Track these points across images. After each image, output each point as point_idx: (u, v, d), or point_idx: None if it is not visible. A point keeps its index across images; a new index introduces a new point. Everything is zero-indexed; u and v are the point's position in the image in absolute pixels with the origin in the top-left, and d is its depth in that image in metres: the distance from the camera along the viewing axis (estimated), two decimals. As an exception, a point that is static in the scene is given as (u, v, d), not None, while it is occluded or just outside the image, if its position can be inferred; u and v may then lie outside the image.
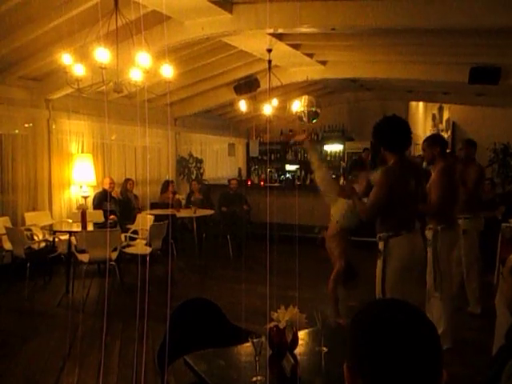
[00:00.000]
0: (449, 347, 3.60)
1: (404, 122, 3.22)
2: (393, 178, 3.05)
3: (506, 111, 8.51)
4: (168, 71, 4.18)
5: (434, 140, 4.01)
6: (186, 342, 2.32)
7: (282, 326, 2.08)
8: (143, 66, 3.96)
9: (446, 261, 3.85)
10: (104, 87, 4.11)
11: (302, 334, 2.27)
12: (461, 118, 9.35)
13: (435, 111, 10.56)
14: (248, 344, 2.00)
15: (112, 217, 6.48)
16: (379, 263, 3.14)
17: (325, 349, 2.14)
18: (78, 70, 4.12)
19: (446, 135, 9.70)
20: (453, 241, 3.96)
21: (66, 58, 4.09)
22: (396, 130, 3.17)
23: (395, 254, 3.07)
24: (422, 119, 11.54)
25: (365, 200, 3.34)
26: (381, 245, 3.14)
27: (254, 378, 1.88)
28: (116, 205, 7.28)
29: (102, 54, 3.81)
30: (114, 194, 7.36)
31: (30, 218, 6.52)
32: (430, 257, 3.77)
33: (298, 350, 2.16)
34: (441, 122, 10.27)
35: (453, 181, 3.90)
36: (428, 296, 3.90)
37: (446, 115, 9.98)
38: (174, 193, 8.38)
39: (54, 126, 7.06)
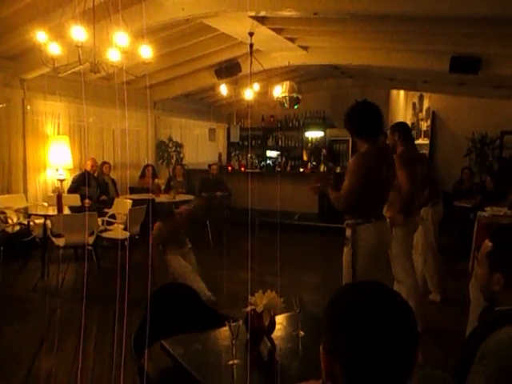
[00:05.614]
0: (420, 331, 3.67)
1: (375, 108, 3.03)
2: (366, 165, 2.91)
3: (485, 101, 8.61)
4: (147, 52, 4.09)
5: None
6: (163, 327, 2.30)
7: (259, 310, 2.07)
8: (121, 46, 3.86)
9: (404, 248, 3.94)
10: (81, 67, 3.99)
11: (279, 318, 2.28)
12: (440, 107, 9.43)
13: (416, 100, 10.62)
14: (225, 328, 1.99)
15: (87, 201, 6.33)
16: (346, 250, 3.02)
17: (302, 332, 2.15)
18: (54, 49, 3.99)
19: (425, 124, 9.79)
20: (406, 230, 4.00)
21: (40, 36, 3.96)
22: (367, 115, 3.00)
23: (363, 241, 2.95)
24: (403, 108, 11.61)
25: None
26: (348, 232, 3.01)
27: (231, 362, 1.88)
28: (96, 187, 7.18)
29: (79, 33, 3.69)
30: (96, 176, 7.28)
31: (4, 200, 6.34)
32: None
33: (276, 334, 2.16)
34: (421, 111, 10.34)
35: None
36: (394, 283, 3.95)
37: (426, 104, 10.04)
38: (154, 177, 8.27)
39: (28, 107, 6.86)
